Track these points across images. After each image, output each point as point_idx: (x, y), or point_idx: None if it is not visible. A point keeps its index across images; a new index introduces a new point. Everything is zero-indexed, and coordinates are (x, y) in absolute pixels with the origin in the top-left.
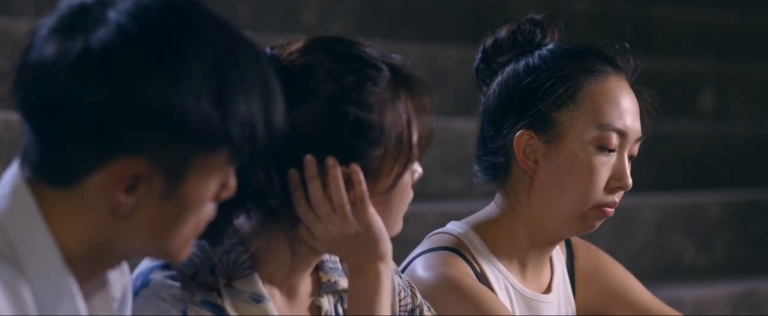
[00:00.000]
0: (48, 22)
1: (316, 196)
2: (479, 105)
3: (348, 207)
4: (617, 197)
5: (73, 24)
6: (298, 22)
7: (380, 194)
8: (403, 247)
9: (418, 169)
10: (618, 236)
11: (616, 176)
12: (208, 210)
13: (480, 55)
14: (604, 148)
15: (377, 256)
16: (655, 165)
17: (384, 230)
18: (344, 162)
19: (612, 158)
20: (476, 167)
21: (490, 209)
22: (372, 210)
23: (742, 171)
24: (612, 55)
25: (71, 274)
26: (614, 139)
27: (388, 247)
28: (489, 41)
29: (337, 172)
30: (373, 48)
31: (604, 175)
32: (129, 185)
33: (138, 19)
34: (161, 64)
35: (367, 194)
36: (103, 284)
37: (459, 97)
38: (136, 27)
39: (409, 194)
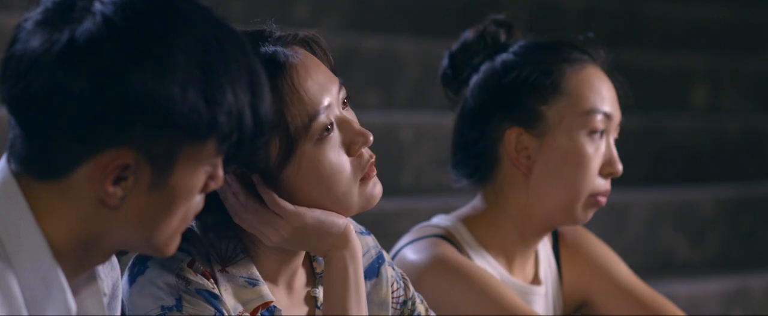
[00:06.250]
0: (33, 15)
1: (235, 213)
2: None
3: (263, 215)
4: (608, 185)
5: (59, 16)
6: (291, 16)
7: (284, 184)
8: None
9: (349, 119)
10: (610, 232)
11: (608, 161)
12: (197, 202)
13: (447, 62)
14: (594, 132)
15: (335, 245)
16: (647, 160)
17: (321, 217)
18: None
19: (602, 144)
20: (456, 172)
21: (475, 203)
22: (289, 207)
23: (735, 166)
24: (592, 47)
25: (60, 268)
26: (602, 123)
27: (341, 234)
28: (456, 46)
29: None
30: (258, 35)
31: (597, 162)
32: (117, 176)
33: (123, 10)
34: (147, 55)
35: (271, 196)
36: (93, 278)
37: None
38: (122, 18)
39: (337, 162)
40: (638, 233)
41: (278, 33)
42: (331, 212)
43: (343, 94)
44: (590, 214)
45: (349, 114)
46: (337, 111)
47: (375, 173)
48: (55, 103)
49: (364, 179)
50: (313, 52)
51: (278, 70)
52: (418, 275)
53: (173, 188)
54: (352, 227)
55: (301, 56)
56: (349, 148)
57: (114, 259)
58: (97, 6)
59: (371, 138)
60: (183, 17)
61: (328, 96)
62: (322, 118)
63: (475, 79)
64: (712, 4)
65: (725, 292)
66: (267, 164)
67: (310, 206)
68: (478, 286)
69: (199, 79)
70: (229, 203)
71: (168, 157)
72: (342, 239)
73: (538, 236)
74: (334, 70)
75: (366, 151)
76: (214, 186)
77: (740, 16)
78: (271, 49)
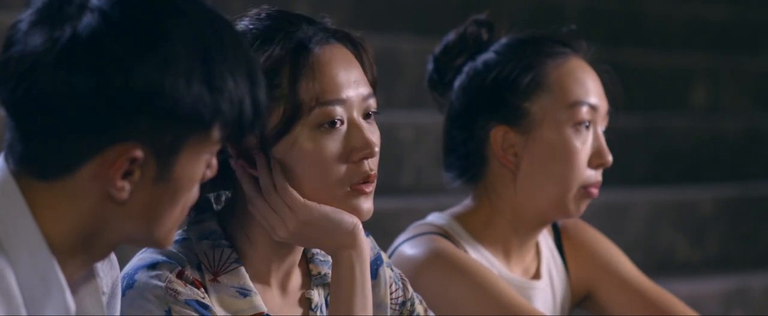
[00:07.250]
0: (26, 16)
1: (250, 199)
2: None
3: (279, 202)
4: (599, 176)
5: (56, 15)
6: None
7: (276, 160)
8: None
9: (362, 125)
10: (610, 232)
11: (597, 152)
12: (196, 191)
13: (432, 65)
14: (580, 124)
15: (343, 244)
16: (647, 160)
17: (330, 214)
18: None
19: (589, 136)
20: (449, 173)
21: (468, 202)
22: (299, 199)
23: (735, 166)
24: (571, 39)
25: (58, 266)
26: (587, 114)
27: (350, 233)
28: (438, 49)
29: (243, 174)
30: (308, 18)
31: (584, 154)
32: (125, 170)
33: (120, 5)
34: (148, 47)
35: (283, 183)
36: (91, 277)
37: None
38: (119, 12)
39: (330, 157)
40: (638, 232)
41: (329, 24)
42: (340, 210)
43: (370, 103)
44: (583, 206)
45: (369, 126)
46: (353, 113)
47: (371, 190)
48: (61, 102)
49: (356, 190)
50: (358, 55)
51: (304, 50)
52: (416, 271)
53: (177, 179)
54: (361, 227)
55: (335, 48)
56: (351, 153)
57: (113, 257)
58: (94, 2)
59: (377, 149)
60: (179, 9)
61: (349, 93)
62: (331, 109)
63: (458, 80)
64: (712, 4)
65: (725, 292)
66: (264, 133)
67: (301, 192)
68: (476, 281)
69: (201, 69)
70: (247, 187)
71: (172, 148)
72: (350, 238)
73: (533, 231)
74: (375, 82)
75: (368, 164)
76: (210, 175)
77: (740, 16)
78: (310, 31)
